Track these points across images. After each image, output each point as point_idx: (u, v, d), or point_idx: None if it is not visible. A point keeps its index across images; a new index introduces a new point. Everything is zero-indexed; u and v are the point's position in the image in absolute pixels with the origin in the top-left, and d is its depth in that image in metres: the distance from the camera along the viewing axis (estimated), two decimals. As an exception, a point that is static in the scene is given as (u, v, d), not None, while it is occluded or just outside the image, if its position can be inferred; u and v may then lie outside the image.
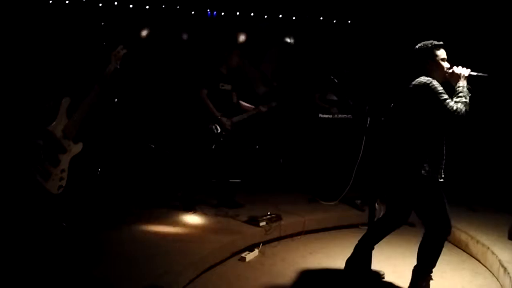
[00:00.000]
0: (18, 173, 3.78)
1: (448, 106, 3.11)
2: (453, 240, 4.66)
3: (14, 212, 3.81)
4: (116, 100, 5.17)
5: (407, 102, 3.31)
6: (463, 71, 3.28)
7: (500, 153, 6.00)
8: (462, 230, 4.58)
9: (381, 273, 3.80)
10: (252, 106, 5.25)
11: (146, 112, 6.35)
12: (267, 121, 6.51)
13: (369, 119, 4.41)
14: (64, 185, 3.77)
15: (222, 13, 6.90)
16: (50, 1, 6.29)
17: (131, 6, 6.58)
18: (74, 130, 3.81)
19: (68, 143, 3.80)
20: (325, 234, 4.90)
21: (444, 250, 4.42)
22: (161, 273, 3.24)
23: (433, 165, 3.22)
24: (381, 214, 4.07)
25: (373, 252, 3.70)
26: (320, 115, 5.76)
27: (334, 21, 7.16)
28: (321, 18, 7.11)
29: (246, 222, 4.58)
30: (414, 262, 3.44)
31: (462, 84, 3.23)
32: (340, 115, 5.70)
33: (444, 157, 3.29)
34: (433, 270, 3.40)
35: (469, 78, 3.28)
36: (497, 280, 3.78)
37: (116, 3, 6.54)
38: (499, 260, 3.79)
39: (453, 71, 3.30)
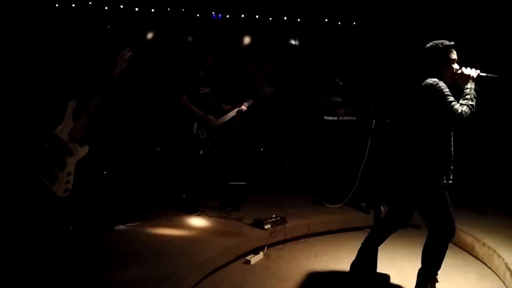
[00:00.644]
0: (24, 176, 3.80)
1: (453, 109, 3.10)
2: (459, 242, 4.64)
3: (21, 215, 3.83)
4: (122, 103, 5.19)
5: (414, 103, 3.30)
6: (472, 72, 3.26)
7: (506, 155, 5.96)
8: (468, 233, 4.55)
9: (387, 276, 3.79)
10: (234, 108, 5.22)
11: (151, 114, 6.37)
12: (272, 123, 6.52)
13: (374, 121, 4.41)
14: (70, 188, 3.79)
15: (227, 16, 6.92)
16: (57, 5, 6.32)
17: (136, 9, 6.60)
18: (80, 133, 3.82)
19: (74, 146, 3.82)
20: (330, 237, 4.90)
21: (449, 253, 4.40)
22: (166, 276, 3.25)
23: (441, 167, 3.22)
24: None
25: (379, 255, 3.70)
26: (325, 117, 5.75)
27: (339, 23, 7.15)
28: (326, 20, 7.11)
29: (251, 224, 4.58)
30: (419, 265, 3.42)
31: (470, 86, 3.22)
32: (345, 117, 5.69)
33: (452, 159, 3.27)
34: (439, 272, 3.39)
35: (478, 79, 3.26)
36: (503, 283, 3.76)
37: (122, 6, 6.57)
38: (506, 263, 3.76)
39: (462, 72, 3.28)
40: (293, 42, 7.31)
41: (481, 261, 4.26)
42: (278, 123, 6.73)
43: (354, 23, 7.23)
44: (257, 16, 7.00)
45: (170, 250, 3.78)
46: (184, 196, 5.06)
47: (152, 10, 6.67)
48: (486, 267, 4.14)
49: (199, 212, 4.90)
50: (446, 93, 3.14)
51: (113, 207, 4.82)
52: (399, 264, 4.09)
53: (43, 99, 4.33)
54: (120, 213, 4.69)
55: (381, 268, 3.73)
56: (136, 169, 5.84)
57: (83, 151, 3.85)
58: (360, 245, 3.71)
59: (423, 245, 3.41)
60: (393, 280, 3.77)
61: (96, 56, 5.26)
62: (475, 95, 3.20)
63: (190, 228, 4.47)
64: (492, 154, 6.06)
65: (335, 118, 5.69)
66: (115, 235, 4.13)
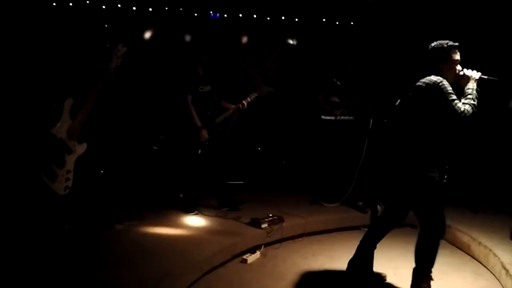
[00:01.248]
0: (24, 175, 3.81)
1: (455, 107, 3.14)
2: (455, 241, 4.66)
3: (21, 214, 3.84)
4: (119, 100, 5.18)
5: (415, 100, 3.31)
6: (474, 73, 3.31)
7: (502, 155, 5.98)
8: (464, 232, 4.57)
9: (383, 275, 3.80)
10: (233, 105, 5.23)
11: (149, 113, 6.37)
12: (269, 123, 6.53)
13: (371, 120, 4.42)
14: (70, 185, 3.79)
15: (225, 15, 6.92)
16: (54, 3, 6.32)
17: (134, 8, 6.60)
18: (78, 130, 3.82)
19: (73, 144, 3.82)
20: (327, 236, 4.91)
21: (446, 252, 4.45)
22: (162, 275, 3.26)
23: (438, 166, 3.24)
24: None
25: (375, 254, 3.72)
26: (323, 116, 5.76)
27: (337, 23, 7.16)
28: (324, 20, 7.11)
29: (247, 224, 4.58)
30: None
31: (472, 86, 3.27)
32: (342, 117, 5.70)
33: (450, 158, 3.29)
34: (434, 271, 3.40)
35: (479, 81, 3.29)
36: (499, 282, 3.77)
37: (119, 5, 6.57)
38: (501, 262, 3.78)
39: (463, 73, 3.32)
40: (291, 41, 7.32)
41: (477, 260, 4.28)
42: (276, 123, 6.73)
43: (352, 23, 7.24)
44: (255, 16, 7.00)
45: (167, 249, 3.78)
46: (181, 195, 5.07)
47: (150, 9, 6.67)
48: (482, 266, 4.15)
49: (196, 212, 4.90)
50: (450, 91, 3.18)
51: (110, 206, 4.83)
52: (395, 263, 4.10)
53: (40, 97, 4.33)
54: (117, 211, 4.69)
55: (377, 267, 3.74)
56: (133, 167, 5.85)
57: (81, 148, 3.86)
58: (356, 244, 3.72)
59: (419, 244, 3.43)
60: (389, 279, 3.78)
61: (93, 54, 5.26)
62: (477, 96, 3.23)
63: (187, 227, 4.48)
64: (488, 153, 6.08)
65: (333, 118, 5.70)
66: (111, 233, 4.13)
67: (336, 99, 5.99)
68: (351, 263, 3.72)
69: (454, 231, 4.69)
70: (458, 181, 5.82)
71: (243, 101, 5.20)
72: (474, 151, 6.08)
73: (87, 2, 6.43)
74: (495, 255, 3.95)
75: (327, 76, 6.06)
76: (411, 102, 3.36)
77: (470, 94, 3.23)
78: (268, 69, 7.27)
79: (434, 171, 3.23)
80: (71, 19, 6.32)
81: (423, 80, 3.27)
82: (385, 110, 4.22)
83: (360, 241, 3.71)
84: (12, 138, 4.21)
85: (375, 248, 3.70)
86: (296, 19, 7.14)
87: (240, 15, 6.95)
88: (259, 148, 6.71)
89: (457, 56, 3.34)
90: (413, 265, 3.44)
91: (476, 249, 4.33)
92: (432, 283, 3.39)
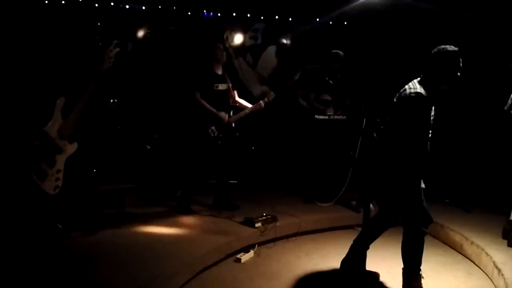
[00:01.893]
0: (14, 174, 3.78)
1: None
2: (447, 241, 4.68)
3: (10, 213, 3.80)
4: (112, 99, 5.16)
5: (397, 106, 3.33)
6: None
7: (494, 154, 6.02)
8: (456, 231, 4.59)
9: (376, 274, 3.81)
10: (250, 105, 5.15)
11: (142, 112, 6.35)
12: (263, 122, 6.52)
13: (364, 120, 4.43)
14: (60, 185, 3.78)
15: (219, 14, 6.90)
16: (46, 1, 6.27)
17: (127, 6, 6.57)
18: (69, 130, 3.81)
19: (63, 143, 3.80)
20: (320, 235, 4.91)
21: (438, 251, 4.47)
22: (155, 275, 3.24)
23: (417, 167, 3.25)
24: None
25: (368, 252, 3.73)
26: (316, 116, 5.76)
27: (330, 22, 7.18)
28: (318, 20, 7.13)
29: (241, 223, 4.58)
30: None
31: None
32: (335, 116, 5.70)
33: (429, 160, 3.31)
34: (427, 270, 3.42)
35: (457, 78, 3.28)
36: (491, 281, 3.79)
37: (112, 4, 6.53)
38: (493, 261, 3.80)
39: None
40: (284, 41, 7.32)
41: (469, 259, 4.30)
42: (269, 122, 6.72)
43: (345, 23, 7.26)
44: (248, 15, 7.00)
45: (160, 248, 3.76)
46: (178, 194, 5.03)
47: (143, 7, 6.64)
48: (474, 265, 4.17)
49: (190, 211, 4.88)
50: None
51: (103, 204, 4.80)
52: (389, 262, 4.11)
53: (31, 96, 4.30)
54: (109, 210, 4.67)
55: (370, 266, 3.75)
56: (126, 166, 5.82)
57: (72, 148, 3.84)
58: (350, 243, 3.73)
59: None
60: (383, 278, 3.79)
61: (86, 53, 5.23)
62: None
63: (181, 226, 4.46)
64: (480, 153, 6.12)
65: (326, 117, 5.70)
66: (104, 233, 4.10)
67: (328, 97, 6.00)
68: (344, 262, 3.73)
69: (447, 230, 4.71)
70: (450, 180, 5.88)
71: (261, 102, 5.05)
72: (466, 151, 6.11)
73: (79, 0, 6.39)
74: (487, 254, 3.97)
75: (319, 75, 6.06)
76: (394, 107, 3.38)
77: None
78: (260, 70, 7.27)
79: (411, 171, 3.23)
80: (63, 17, 6.27)
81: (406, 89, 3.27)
82: (378, 109, 4.23)
83: (354, 241, 3.72)
84: (4, 137, 4.17)
85: (368, 248, 3.71)
86: (290, 19, 7.15)
87: (234, 14, 6.94)
88: (253, 147, 6.70)
89: (460, 63, 3.27)
90: (406, 264, 3.46)
91: (468, 248, 4.35)
92: (424, 282, 3.39)
